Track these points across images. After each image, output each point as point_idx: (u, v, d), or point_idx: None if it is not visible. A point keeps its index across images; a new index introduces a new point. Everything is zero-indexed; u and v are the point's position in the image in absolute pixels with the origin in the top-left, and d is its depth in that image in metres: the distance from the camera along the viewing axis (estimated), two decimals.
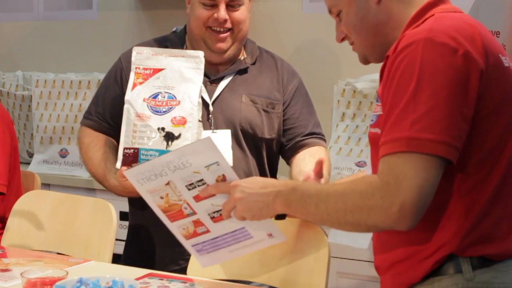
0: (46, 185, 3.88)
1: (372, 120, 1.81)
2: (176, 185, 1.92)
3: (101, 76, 4.15)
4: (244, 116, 2.57)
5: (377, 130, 1.77)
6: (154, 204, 1.97)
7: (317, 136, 2.66)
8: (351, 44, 1.94)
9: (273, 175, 2.69)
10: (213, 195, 1.93)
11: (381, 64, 1.84)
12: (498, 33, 2.76)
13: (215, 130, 2.53)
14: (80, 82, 4.10)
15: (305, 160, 2.54)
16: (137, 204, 2.57)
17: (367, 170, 2.01)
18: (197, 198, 1.94)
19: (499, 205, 1.72)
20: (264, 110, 2.59)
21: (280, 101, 2.62)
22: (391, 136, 1.66)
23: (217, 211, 1.96)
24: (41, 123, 4.16)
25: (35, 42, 4.87)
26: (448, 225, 1.70)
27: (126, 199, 2.65)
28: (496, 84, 1.70)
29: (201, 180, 1.91)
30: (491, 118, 1.70)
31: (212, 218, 1.97)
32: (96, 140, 2.61)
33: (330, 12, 1.96)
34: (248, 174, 2.53)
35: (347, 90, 3.58)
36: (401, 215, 1.61)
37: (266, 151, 2.62)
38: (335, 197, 1.72)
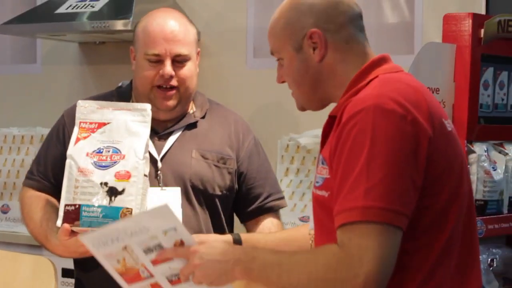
0: None
1: (317, 182, 1.80)
2: (133, 249, 1.88)
3: (45, 131, 4.12)
4: (195, 171, 2.48)
5: (323, 193, 1.76)
6: (111, 268, 1.92)
7: (276, 198, 2.59)
8: (290, 89, 1.94)
9: (232, 231, 2.59)
10: (171, 259, 1.89)
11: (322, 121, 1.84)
12: (437, 89, 2.82)
13: (164, 188, 2.44)
14: (23, 137, 4.07)
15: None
16: (83, 264, 2.49)
17: (310, 224, 2.01)
18: (155, 262, 1.89)
19: (441, 269, 1.73)
20: (215, 166, 2.51)
21: (232, 157, 2.54)
22: (346, 206, 1.64)
23: (176, 274, 1.91)
24: None
25: None
26: None
27: None
28: (442, 150, 1.71)
29: (159, 244, 1.88)
30: (436, 185, 1.70)
31: (171, 281, 1.92)
32: (37, 200, 2.51)
33: (272, 53, 1.95)
34: (198, 233, 2.41)
35: (291, 146, 3.61)
36: (366, 286, 1.61)
37: (219, 209, 2.52)
38: (298, 268, 1.71)
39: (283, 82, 1.95)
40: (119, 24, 3.91)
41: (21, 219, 2.69)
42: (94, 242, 1.89)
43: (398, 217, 1.62)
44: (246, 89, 4.00)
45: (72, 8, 4.11)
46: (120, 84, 2.66)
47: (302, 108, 1.94)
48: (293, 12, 1.88)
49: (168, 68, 2.43)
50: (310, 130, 3.60)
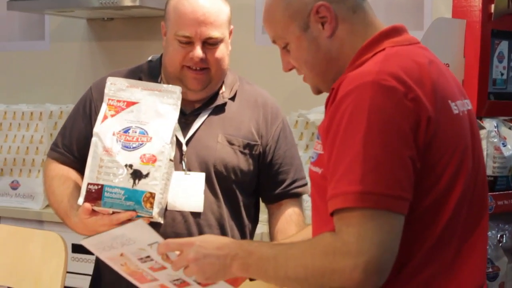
0: None
1: (312, 158, 1.72)
2: (130, 257, 1.86)
3: (53, 108, 4.13)
4: (220, 157, 2.40)
5: (317, 170, 1.69)
6: (119, 269, 1.91)
7: (300, 185, 2.54)
8: (300, 74, 1.84)
9: (253, 222, 2.55)
10: (165, 267, 1.83)
11: None
12: (447, 65, 2.81)
13: (188, 172, 2.38)
14: (31, 113, 4.07)
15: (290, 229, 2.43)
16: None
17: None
18: (152, 269, 1.87)
19: (436, 260, 1.64)
20: (241, 152, 2.44)
21: (258, 143, 2.47)
22: (341, 189, 1.55)
23: (179, 279, 1.85)
24: None
25: None
26: None
27: None
28: (444, 132, 1.62)
29: (148, 256, 1.84)
30: (436, 169, 1.61)
31: (177, 285, 1.87)
32: (60, 174, 2.46)
33: (274, 42, 1.84)
34: (220, 220, 2.41)
35: (300, 122, 3.60)
36: (367, 276, 1.51)
37: (242, 196, 2.47)
38: (294, 261, 1.62)
39: (291, 69, 1.85)
40: (127, 0, 3.90)
41: (43, 190, 2.65)
42: (94, 247, 1.88)
43: (399, 203, 1.54)
44: (254, 65, 3.99)
45: None
46: (150, 58, 2.57)
47: (318, 91, 1.83)
48: None
49: (198, 51, 2.35)
50: (319, 106, 3.60)
